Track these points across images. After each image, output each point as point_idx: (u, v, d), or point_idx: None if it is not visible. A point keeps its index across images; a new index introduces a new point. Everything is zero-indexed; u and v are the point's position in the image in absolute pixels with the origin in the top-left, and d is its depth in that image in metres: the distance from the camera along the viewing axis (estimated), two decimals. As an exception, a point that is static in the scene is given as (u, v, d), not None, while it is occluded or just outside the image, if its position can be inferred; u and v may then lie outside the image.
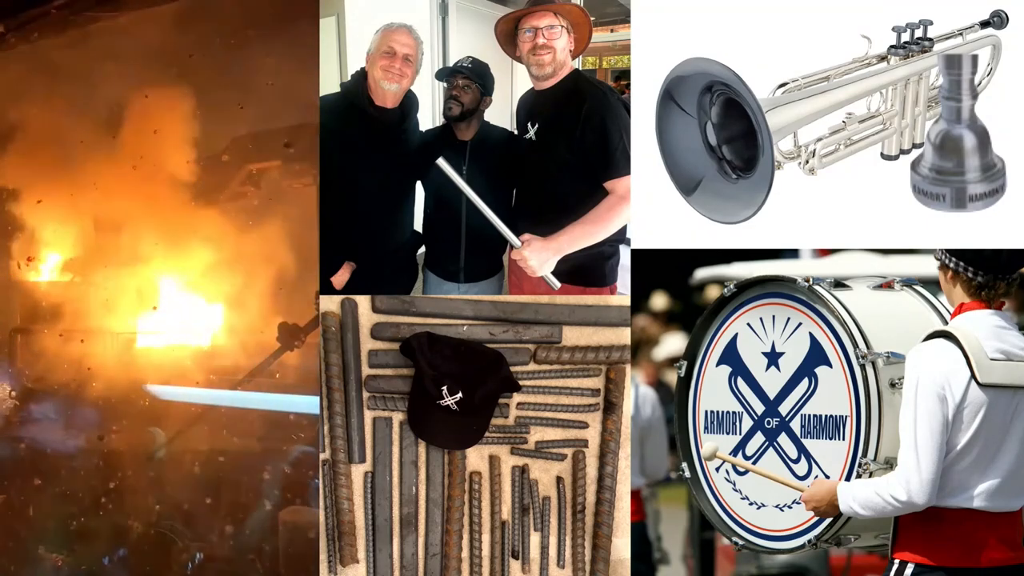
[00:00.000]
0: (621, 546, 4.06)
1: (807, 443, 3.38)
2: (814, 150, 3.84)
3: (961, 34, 3.94)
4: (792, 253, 6.72)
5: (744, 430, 3.51)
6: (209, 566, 4.99)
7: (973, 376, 3.04)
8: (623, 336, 4.06)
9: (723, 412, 3.56)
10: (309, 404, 4.31)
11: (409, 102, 4.39)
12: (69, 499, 5.09)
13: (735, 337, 3.54)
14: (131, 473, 5.09)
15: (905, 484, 3.04)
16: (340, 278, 4.32)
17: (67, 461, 5.13)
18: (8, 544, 5.14)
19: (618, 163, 4.09)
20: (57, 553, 5.05)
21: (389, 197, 4.39)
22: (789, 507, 3.41)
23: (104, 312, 5.31)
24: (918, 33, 3.90)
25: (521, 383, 4.00)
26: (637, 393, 6.02)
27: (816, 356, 3.37)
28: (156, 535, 5.03)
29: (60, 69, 5.23)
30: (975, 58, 3.83)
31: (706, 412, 3.60)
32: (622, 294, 4.29)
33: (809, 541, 3.36)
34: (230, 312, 5.26)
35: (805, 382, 3.39)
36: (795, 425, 3.41)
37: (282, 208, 5.08)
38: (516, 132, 4.42)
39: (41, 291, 5.45)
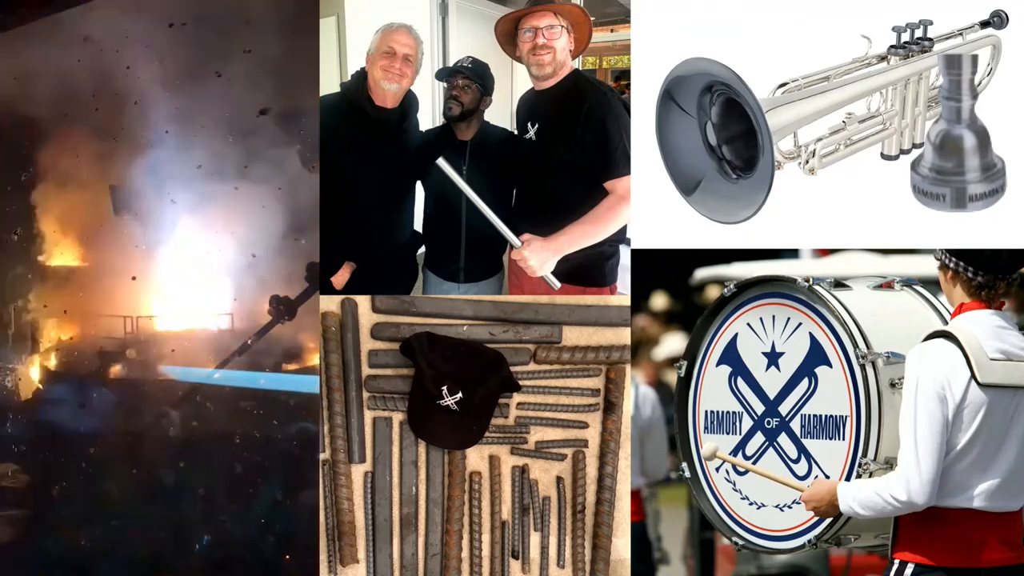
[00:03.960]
0: (621, 546, 4.06)
1: (807, 443, 3.38)
2: (814, 150, 3.84)
3: (961, 34, 3.93)
4: (792, 253, 6.72)
5: (744, 430, 3.51)
6: (215, 548, 5.01)
7: (973, 376, 3.04)
8: (623, 336, 4.06)
9: (723, 412, 3.56)
10: (311, 384, 4.31)
11: (409, 102, 4.38)
12: (87, 479, 5.11)
13: (735, 337, 3.54)
14: (137, 454, 5.11)
15: (905, 484, 3.04)
16: (340, 278, 4.32)
17: (84, 442, 5.16)
18: (28, 521, 5.18)
19: (618, 163, 4.09)
20: (79, 532, 5.09)
21: (389, 197, 4.39)
22: (789, 507, 3.41)
23: (105, 295, 5.34)
24: (918, 33, 3.90)
25: (521, 383, 4.00)
26: (637, 393, 6.02)
27: (816, 356, 3.37)
28: (164, 516, 5.06)
29: (44, 43, 5.24)
30: (975, 58, 3.83)
31: (706, 412, 3.60)
32: (622, 294, 4.29)
33: (809, 541, 3.36)
34: (228, 289, 5.28)
35: (805, 382, 3.39)
36: (795, 425, 3.40)
37: (270, 178, 5.08)
38: (516, 132, 4.42)
39: (56, 273, 5.48)
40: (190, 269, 5.31)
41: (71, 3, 5.24)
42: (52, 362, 5.44)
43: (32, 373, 5.46)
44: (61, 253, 5.50)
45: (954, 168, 3.87)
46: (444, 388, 3.91)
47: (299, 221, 4.55)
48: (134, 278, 5.27)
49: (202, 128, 5.14)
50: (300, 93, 4.35)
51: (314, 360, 4.91)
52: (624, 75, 4.65)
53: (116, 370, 5.29)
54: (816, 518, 3.32)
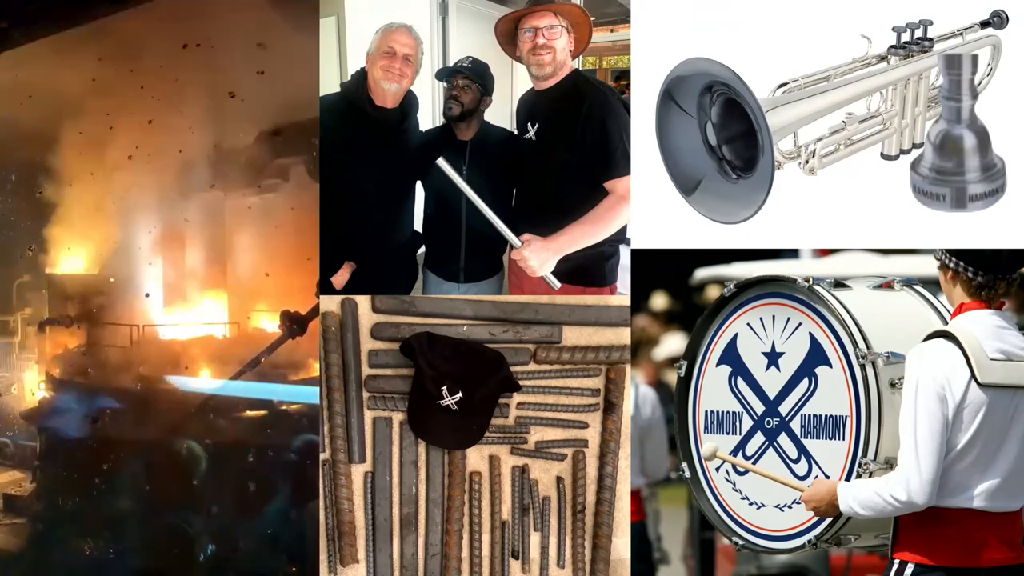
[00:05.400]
0: (621, 546, 4.06)
1: (807, 443, 3.38)
2: (814, 150, 3.84)
3: (961, 34, 3.93)
4: (792, 253, 6.71)
5: (744, 430, 3.51)
6: (221, 557, 5.02)
7: (973, 376, 3.04)
8: (623, 336, 4.06)
9: (723, 412, 3.56)
10: (313, 394, 4.33)
11: (409, 102, 4.38)
12: (93, 488, 5.12)
13: (735, 337, 3.54)
14: (147, 464, 5.13)
15: (905, 484, 3.04)
16: (340, 278, 4.32)
17: (89, 450, 5.18)
18: (33, 529, 5.20)
19: (618, 163, 4.09)
20: (85, 541, 5.10)
21: (389, 197, 4.39)
22: (789, 507, 3.41)
23: (113, 305, 5.36)
24: (918, 33, 3.90)
25: (521, 383, 4.00)
26: (637, 393, 6.01)
27: (816, 356, 3.37)
28: (170, 527, 5.06)
29: (63, 64, 5.28)
30: (975, 58, 3.83)
31: (706, 412, 3.60)
32: (622, 294, 4.29)
33: (809, 541, 3.36)
34: (235, 301, 5.30)
35: (805, 382, 3.39)
36: (795, 425, 3.41)
37: (283, 198, 5.10)
38: (516, 132, 4.42)
39: (66, 284, 5.51)
40: (201, 284, 5.34)
41: (86, 22, 5.27)
42: (57, 370, 5.46)
43: (37, 381, 5.48)
44: (69, 263, 5.53)
45: (954, 168, 3.87)
46: (444, 388, 3.91)
47: (310, 239, 4.57)
48: (148, 295, 5.30)
49: (215, 148, 5.17)
50: (311, 112, 4.37)
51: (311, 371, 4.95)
52: (624, 75, 4.65)
53: (122, 380, 5.30)
54: (816, 518, 3.32)
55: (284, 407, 5.16)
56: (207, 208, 5.25)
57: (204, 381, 5.25)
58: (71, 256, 5.52)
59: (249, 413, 5.21)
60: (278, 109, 5.05)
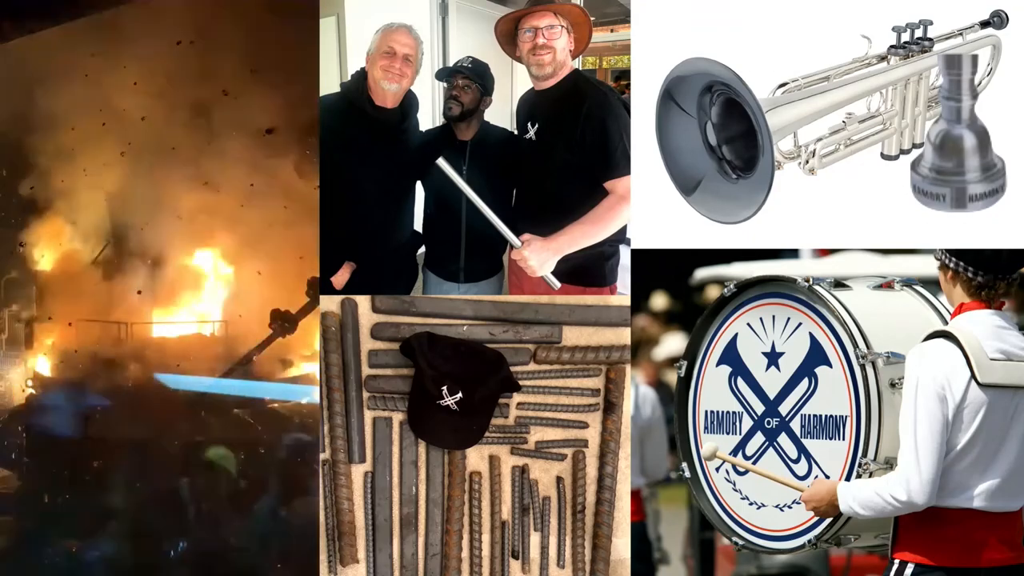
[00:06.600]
0: (621, 546, 4.06)
1: (807, 443, 3.38)
2: (814, 150, 3.84)
3: (961, 34, 3.94)
4: (792, 253, 6.72)
5: (744, 430, 3.51)
6: (214, 557, 5.02)
7: (973, 376, 3.04)
8: (623, 336, 4.06)
9: (723, 412, 3.56)
10: (305, 392, 4.33)
11: (409, 102, 4.39)
12: (80, 487, 5.12)
13: (735, 337, 3.54)
14: (137, 462, 5.12)
15: (905, 484, 3.04)
16: (340, 278, 4.32)
17: (76, 447, 5.17)
18: (23, 530, 5.19)
19: (618, 163, 4.09)
20: (71, 540, 5.09)
21: (389, 197, 4.40)
22: (789, 507, 3.41)
23: (103, 303, 5.36)
24: (918, 33, 3.90)
25: (521, 383, 4.00)
26: (637, 393, 6.02)
27: (816, 356, 3.37)
28: (159, 524, 5.06)
29: (56, 59, 5.28)
30: (975, 58, 3.83)
31: (706, 412, 3.60)
32: (622, 294, 4.30)
33: (809, 541, 3.36)
34: (230, 302, 5.30)
35: (805, 382, 3.39)
36: (795, 425, 3.40)
37: (276, 196, 5.10)
38: (516, 132, 4.42)
39: (56, 281, 5.50)
40: (192, 282, 5.34)
41: (79, 17, 5.27)
42: (46, 368, 5.46)
43: (25, 379, 5.47)
44: (58, 260, 5.52)
45: (954, 168, 3.87)
46: (444, 388, 3.91)
47: (302, 238, 4.58)
48: (139, 292, 5.30)
49: (208, 145, 5.17)
50: (306, 111, 4.37)
51: (303, 370, 4.95)
52: (624, 75, 4.65)
53: (111, 377, 5.29)
54: (816, 518, 3.32)
55: (274, 405, 5.16)
56: (199, 205, 5.24)
57: (195, 379, 5.25)
58: (61, 252, 5.51)
59: (239, 411, 5.21)
60: (271, 107, 5.05)
